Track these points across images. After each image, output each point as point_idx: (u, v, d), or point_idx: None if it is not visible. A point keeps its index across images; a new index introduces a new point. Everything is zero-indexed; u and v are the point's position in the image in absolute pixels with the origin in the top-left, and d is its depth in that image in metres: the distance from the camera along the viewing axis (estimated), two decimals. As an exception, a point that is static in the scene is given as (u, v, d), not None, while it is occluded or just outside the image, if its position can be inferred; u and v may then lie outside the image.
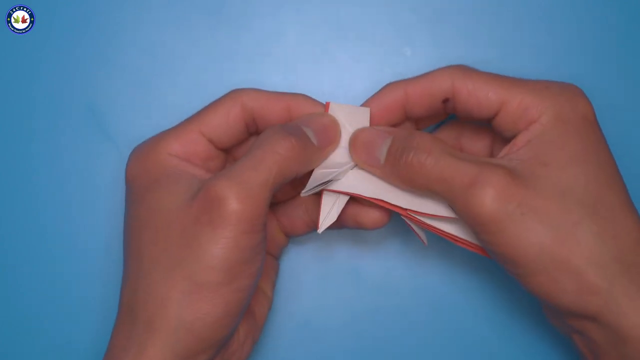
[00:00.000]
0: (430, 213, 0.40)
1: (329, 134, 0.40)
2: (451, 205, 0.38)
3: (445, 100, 0.40)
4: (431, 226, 0.40)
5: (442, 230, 0.40)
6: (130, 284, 0.38)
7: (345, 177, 0.41)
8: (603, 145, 0.39)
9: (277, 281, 0.46)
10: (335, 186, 0.41)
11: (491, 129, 0.41)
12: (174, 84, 0.47)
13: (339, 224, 0.42)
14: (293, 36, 0.47)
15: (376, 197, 0.40)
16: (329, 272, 0.47)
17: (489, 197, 0.36)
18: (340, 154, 0.41)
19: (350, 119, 0.41)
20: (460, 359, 0.47)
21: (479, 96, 0.39)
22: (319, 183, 0.39)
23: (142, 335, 0.36)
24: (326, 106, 0.41)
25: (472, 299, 0.47)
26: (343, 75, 0.47)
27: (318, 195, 0.41)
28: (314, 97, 0.42)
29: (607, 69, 0.47)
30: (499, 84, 0.39)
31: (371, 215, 0.42)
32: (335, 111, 0.41)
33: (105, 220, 0.46)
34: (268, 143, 0.38)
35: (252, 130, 0.42)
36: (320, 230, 0.41)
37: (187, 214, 0.37)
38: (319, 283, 0.47)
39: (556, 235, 0.36)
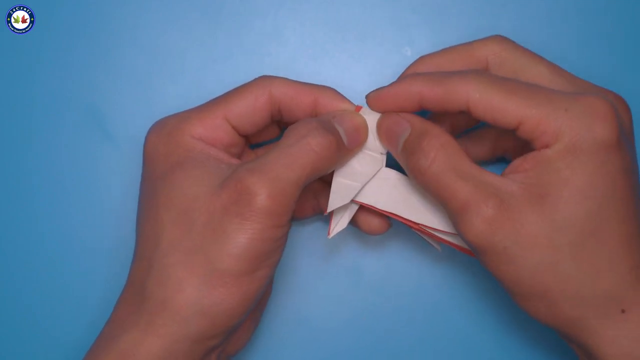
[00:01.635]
0: (443, 229, 0.40)
1: (359, 136, 0.40)
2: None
3: (460, 112, 0.39)
4: (445, 240, 0.40)
5: (456, 244, 0.40)
6: (144, 262, 0.38)
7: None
8: (618, 175, 0.36)
9: (278, 278, 0.46)
10: None
11: None
12: (174, 83, 0.47)
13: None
14: (293, 36, 0.47)
15: (389, 211, 0.41)
16: (330, 271, 0.47)
17: (476, 227, 0.36)
18: (361, 159, 0.41)
19: (373, 132, 0.41)
20: (460, 359, 0.47)
21: (496, 116, 0.37)
22: (342, 203, 0.40)
23: (153, 313, 0.37)
24: (356, 109, 0.41)
25: (472, 299, 0.47)
26: (343, 75, 0.47)
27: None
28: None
29: (609, 67, 0.47)
30: (519, 100, 0.37)
31: (370, 222, 0.42)
32: (366, 115, 0.41)
33: (105, 220, 0.46)
34: (305, 140, 0.38)
35: (276, 118, 0.42)
36: (331, 235, 0.41)
37: (214, 201, 0.37)
38: (320, 281, 0.47)
39: (536, 270, 0.36)
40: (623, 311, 0.36)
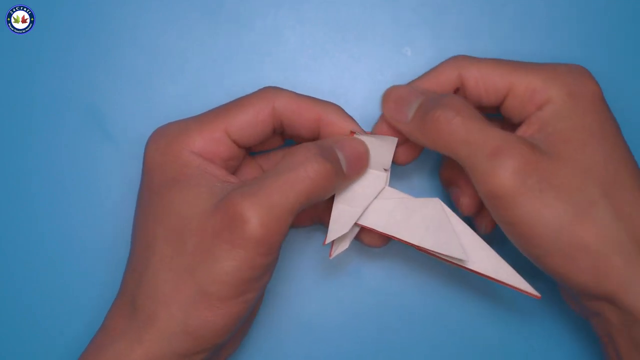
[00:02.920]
0: (442, 253, 0.40)
1: (360, 164, 0.40)
2: (469, 172, 0.38)
3: (456, 91, 0.40)
4: (444, 260, 0.40)
5: (454, 263, 0.40)
6: (135, 274, 0.38)
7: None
8: (615, 123, 0.39)
9: (277, 282, 0.46)
10: None
11: (501, 120, 0.42)
12: (174, 83, 0.47)
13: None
14: (293, 36, 0.47)
15: (390, 234, 0.40)
16: (331, 274, 0.47)
17: (510, 169, 0.36)
18: (363, 179, 0.41)
19: (375, 150, 0.40)
20: None
21: (487, 82, 0.39)
22: (342, 233, 0.40)
23: (142, 326, 0.37)
24: (350, 134, 0.40)
25: (474, 302, 0.47)
26: (343, 75, 0.47)
27: None
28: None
29: (609, 67, 0.47)
30: (505, 68, 0.39)
31: (370, 236, 0.42)
32: (368, 136, 0.40)
33: (105, 220, 0.46)
34: (303, 167, 0.37)
35: (278, 131, 0.41)
36: (332, 256, 0.41)
37: (206, 224, 0.36)
38: (321, 284, 0.47)
39: (573, 215, 0.36)
40: None
